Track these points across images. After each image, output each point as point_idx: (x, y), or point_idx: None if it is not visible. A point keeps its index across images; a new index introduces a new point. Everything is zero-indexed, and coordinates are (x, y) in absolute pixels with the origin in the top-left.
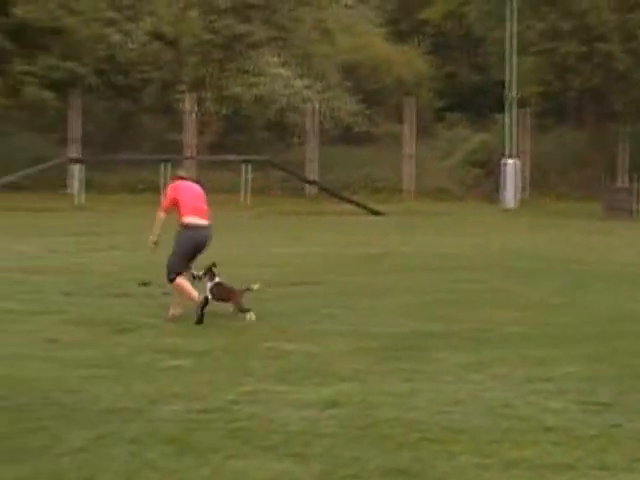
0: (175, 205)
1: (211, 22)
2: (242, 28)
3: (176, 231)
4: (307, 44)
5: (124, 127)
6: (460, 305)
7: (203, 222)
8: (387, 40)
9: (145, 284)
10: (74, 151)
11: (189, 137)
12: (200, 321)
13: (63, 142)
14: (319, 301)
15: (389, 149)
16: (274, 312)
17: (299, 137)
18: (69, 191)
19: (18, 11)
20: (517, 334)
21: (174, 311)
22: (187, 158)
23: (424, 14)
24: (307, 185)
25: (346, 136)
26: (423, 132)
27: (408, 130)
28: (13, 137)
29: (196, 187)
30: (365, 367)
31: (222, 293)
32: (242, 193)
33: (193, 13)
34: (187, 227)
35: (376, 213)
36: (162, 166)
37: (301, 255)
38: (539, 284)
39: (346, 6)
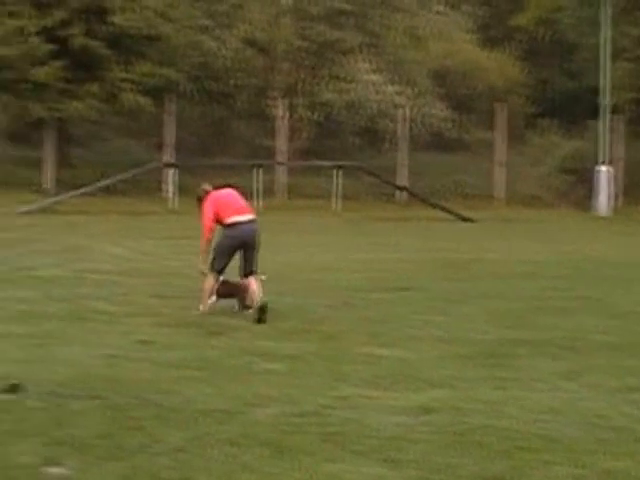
0: (217, 219)
1: (303, 29)
2: (334, 35)
3: (222, 233)
4: (398, 50)
5: (217, 132)
6: (551, 312)
7: (247, 217)
8: (478, 46)
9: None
10: (168, 156)
11: (281, 142)
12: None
13: (158, 147)
14: (411, 307)
15: (479, 156)
16: (367, 318)
17: (390, 143)
18: (164, 195)
19: (116, 19)
20: (608, 343)
21: (203, 308)
22: (279, 163)
23: (516, 20)
24: (397, 191)
25: (436, 142)
26: (514, 139)
27: (499, 137)
28: (110, 142)
29: (227, 190)
30: (457, 373)
31: (227, 290)
32: (333, 199)
33: (286, 20)
34: (230, 226)
35: (466, 220)
36: (254, 171)
37: (392, 261)
38: (631, 292)
39: (437, 13)
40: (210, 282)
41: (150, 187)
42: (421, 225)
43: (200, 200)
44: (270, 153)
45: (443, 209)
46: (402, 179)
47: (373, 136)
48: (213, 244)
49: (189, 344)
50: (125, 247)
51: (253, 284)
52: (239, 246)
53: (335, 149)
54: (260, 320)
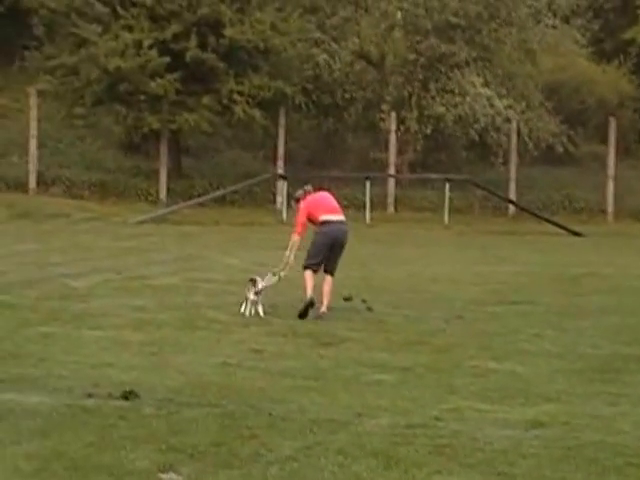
0: (310, 219)
1: (414, 42)
2: (445, 48)
3: (317, 231)
4: (510, 64)
5: (328, 145)
6: None
7: (338, 217)
8: (591, 60)
9: (347, 299)
10: (280, 168)
11: (391, 155)
12: (302, 316)
13: (269, 159)
14: (525, 320)
15: (590, 170)
16: (480, 331)
17: (500, 156)
18: (275, 206)
19: (229, 32)
20: None
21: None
22: (390, 176)
23: (629, 34)
24: (507, 204)
25: (546, 156)
26: (626, 153)
27: (611, 151)
28: (223, 153)
29: (322, 192)
30: (569, 388)
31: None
32: (443, 211)
33: (398, 33)
34: (323, 224)
35: (576, 234)
36: (365, 183)
37: (504, 274)
38: None
39: (549, 26)
40: (309, 278)
41: (261, 198)
42: (531, 239)
43: (298, 201)
44: (380, 166)
45: (553, 223)
46: (511, 192)
47: (482, 149)
48: (309, 244)
49: (300, 354)
50: (237, 257)
51: (328, 283)
52: (331, 244)
53: (444, 162)
54: (302, 315)
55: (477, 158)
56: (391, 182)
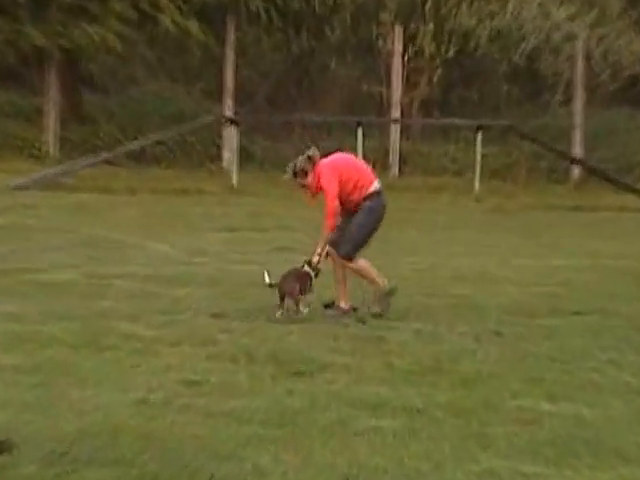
0: (343, 183)
1: None
2: None
3: (363, 207)
4: None
5: (300, 74)
6: None
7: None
8: None
9: (329, 306)
10: (228, 108)
11: (394, 90)
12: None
13: (211, 95)
14: (594, 339)
15: None
16: (529, 353)
17: (560, 93)
18: (223, 166)
19: None
20: None
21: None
22: (393, 122)
23: None
24: (569, 165)
25: (630, 93)
26: None
27: None
28: (142, 86)
29: (340, 154)
30: None
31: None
32: (472, 175)
33: None
34: (373, 195)
35: None
36: (357, 132)
37: (565, 270)
38: None
39: None
40: (365, 265)
41: (201, 154)
42: (604, 217)
43: (301, 174)
44: (379, 106)
45: (638, 192)
46: (576, 146)
47: (532, 83)
48: (361, 218)
49: (258, 388)
50: (165, 241)
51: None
52: (380, 222)
53: (474, 101)
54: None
55: (524, 95)
56: (395, 130)
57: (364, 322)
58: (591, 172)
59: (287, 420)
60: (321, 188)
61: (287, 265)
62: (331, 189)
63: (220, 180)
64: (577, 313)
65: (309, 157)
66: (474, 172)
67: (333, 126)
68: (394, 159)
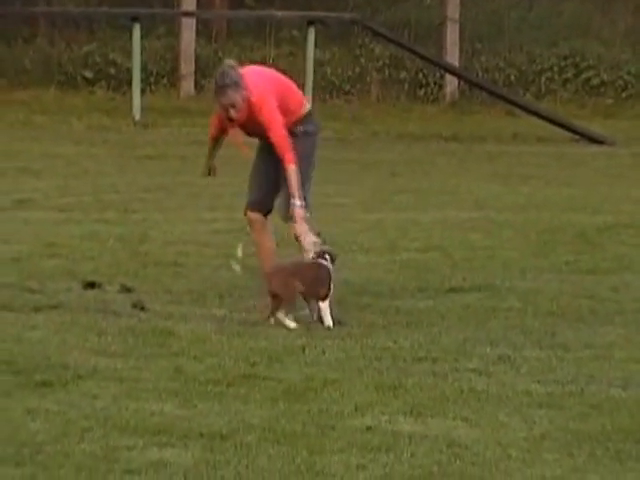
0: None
1: None
2: None
3: (297, 132)
4: None
5: None
6: None
7: None
8: None
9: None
10: None
11: None
12: None
13: None
14: (479, 328)
15: None
16: (384, 349)
17: None
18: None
19: None
20: None
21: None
22: (183, 14)
23: None
24: (442, 75)
25: None
26: None
27: None
28: None
29: (260, 68)
30: None
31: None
32: (308, 91)
33: None
34: (306, 118)
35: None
36: (132, 30)
37: (434, 228)
38: None
39: None
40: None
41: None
42: (491, 150)
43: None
44: None
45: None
46: (450, 49)
47: None
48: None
49: None
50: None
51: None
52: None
53: None
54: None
55: None
56: (188, 28)
57: (143, 308)
58: (472, 85)
59: (28, 455)
60: (255, 121)
61: (28, 227)
62: (279, 120)
63: (120, 106)
64: (453, 290)
65: (233, 67)
66: (304, 86)
67: (98, 21)
68: (188, 69)
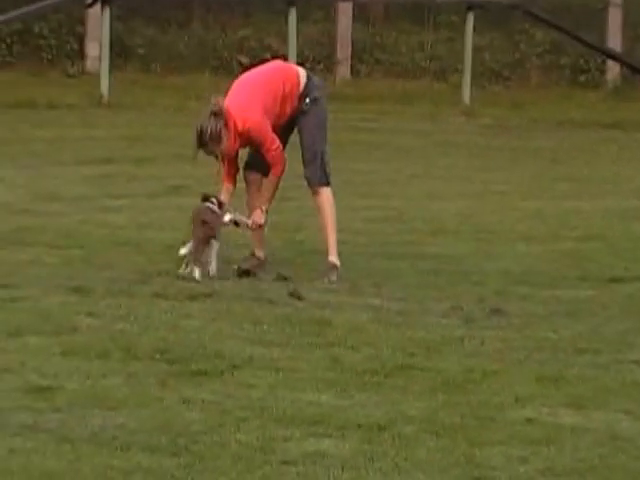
0: (269, 108)
1: None
2: None
3: (306, 106)
4: None
5: None
6: None
7: None
8: None
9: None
10: None
11: None
12: None
13: None
14: None
15: None
16: (544, 341)
17: None
18: (86, 67)
19: None
20: None
21: None
22: None
23: None
24: (605, 61)
25: None
26: None
27: None
28: None
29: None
30: None
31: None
32: (466, 79)
33: None
34: (310, 79)
35: None
36: (288, 14)
37: (594, 217)
38: None
39: None
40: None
41: (54, 49)
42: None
43: (214, 141)
44: None
45: None
46: (613, 35)
47: None
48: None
49: (140, 397)
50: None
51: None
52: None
53: None
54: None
55: None
56: (345, 11)
57: (300, 297)
58: (635, 72)
59: (183, 445)
60: (254, 144)
61: (183, 214)
62: (270, 137)
63: (82, 88)
64: (615, 280)
65: (215, 113)
66: (462, 73)
67: (252, 5)
68: (344, 54)
